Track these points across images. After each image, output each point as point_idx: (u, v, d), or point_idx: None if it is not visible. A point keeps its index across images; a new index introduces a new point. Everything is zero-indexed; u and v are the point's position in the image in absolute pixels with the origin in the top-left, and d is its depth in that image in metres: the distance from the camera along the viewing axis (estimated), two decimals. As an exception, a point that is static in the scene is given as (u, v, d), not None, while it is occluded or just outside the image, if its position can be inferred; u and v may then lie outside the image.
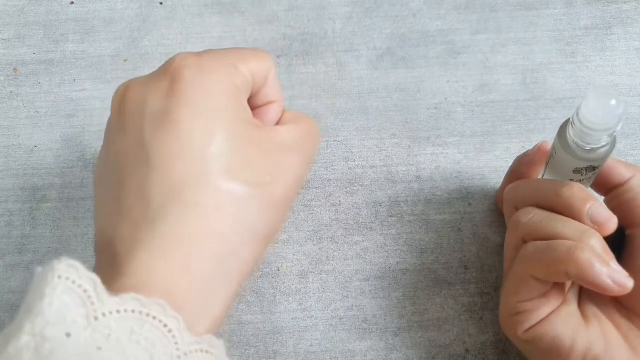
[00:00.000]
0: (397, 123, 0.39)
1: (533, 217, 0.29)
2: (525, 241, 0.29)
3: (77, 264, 0.20)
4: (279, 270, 0.36)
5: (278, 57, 0.41)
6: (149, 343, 0.19)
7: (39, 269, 0.20)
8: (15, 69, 0.41)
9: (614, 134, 0.27)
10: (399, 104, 0.40)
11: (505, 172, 0.35)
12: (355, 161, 0.38)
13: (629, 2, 0.42)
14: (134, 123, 0.23)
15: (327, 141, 0.39)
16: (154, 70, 0.24)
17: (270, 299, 0.35)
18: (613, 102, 0.26)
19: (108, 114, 0.39)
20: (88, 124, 0.39)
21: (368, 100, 0.40)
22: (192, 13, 0.43)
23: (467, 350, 0.34)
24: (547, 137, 0.35)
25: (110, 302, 0.19)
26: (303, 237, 0.36)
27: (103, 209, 0.24)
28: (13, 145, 0.39)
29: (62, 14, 0.43)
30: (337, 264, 0.36)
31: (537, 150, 0.32)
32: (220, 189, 0.22)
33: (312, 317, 0.35)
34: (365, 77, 0.41)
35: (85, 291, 0.19)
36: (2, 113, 0.40)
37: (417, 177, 0.38)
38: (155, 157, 0.22)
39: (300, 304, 0.35)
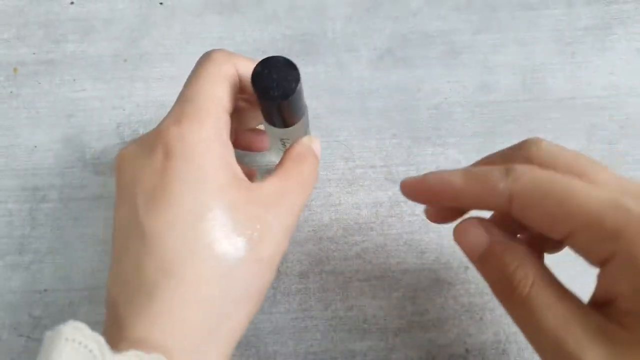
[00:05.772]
0: (397, 123, 0.39)
1: None
2: None
3: (82, 326, 0.21)
4: (279, 270, 0.35)
5: (278, 57, 0.41)
6: None
7: (48, 333, 0.21)
8: (15, 69, 0.41)
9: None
10: (399, 104, 0.40)
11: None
12: (355, 161, 0.38)
13: (629, 2, 0.42)
14: (130, 198, 0.25)
15: (327, 141, 0.39)
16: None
17: (270, 299, 0.35)
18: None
19: (108, 113, 0.40)
20: (88, 124, 0.39)
21: (368, 100, 0.40)
22: (192, 13, 0.43)
23: (467, 350, 0.34)
24: (548, 137, 0.35)
25: (113, 359, 0.21)
26: (303, 237, 0.36)
27: (111, 268, 0.25)
28: (13, 145, 0.39)
29: (62, 14, 0.43)
30: (337, 264, 0.36)
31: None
32: (208, 261, 0.23)
33: (312, 317, 0.35)
34: (365, 77, 0.41)
35: (91, 351, 0.21)
36: (2, 113, 0.40)
37: (417, 177, 0.38)
38: (149, 233, 0.24)
39: (300, 304, 0.35)
